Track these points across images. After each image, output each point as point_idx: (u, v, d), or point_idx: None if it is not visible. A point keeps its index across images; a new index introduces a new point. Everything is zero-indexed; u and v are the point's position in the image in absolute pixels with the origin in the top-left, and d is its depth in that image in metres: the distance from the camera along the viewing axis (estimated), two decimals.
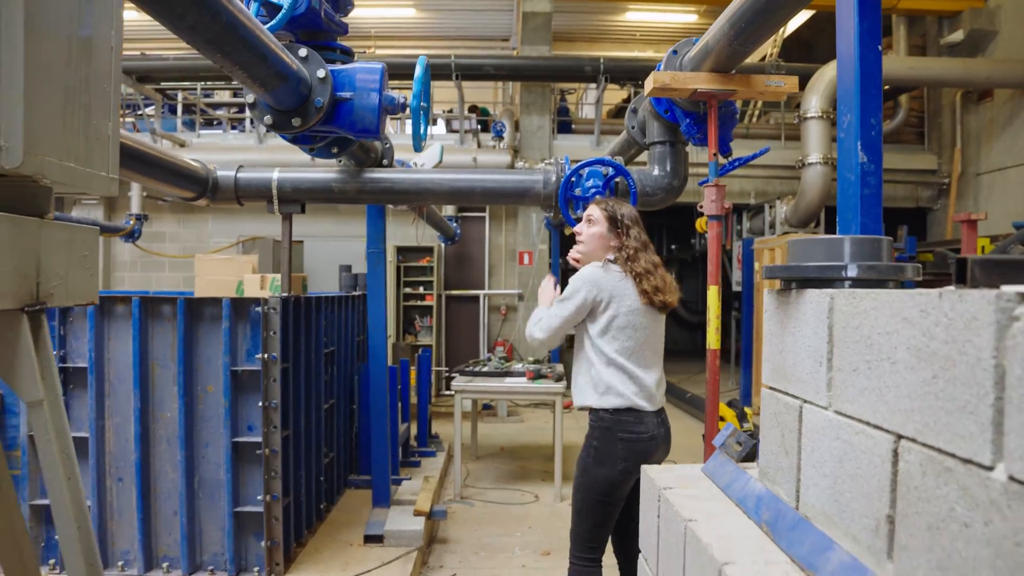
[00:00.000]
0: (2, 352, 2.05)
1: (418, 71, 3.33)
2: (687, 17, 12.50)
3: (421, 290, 10.44)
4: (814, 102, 9.32)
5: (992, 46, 10.68)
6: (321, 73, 3.00)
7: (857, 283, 1.49)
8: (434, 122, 12.19)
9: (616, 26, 13.12)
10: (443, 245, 10.38)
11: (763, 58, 12.80)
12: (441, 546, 4.86)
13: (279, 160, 9.34)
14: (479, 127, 11.05)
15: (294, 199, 4.02)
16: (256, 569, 3.97)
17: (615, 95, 13.39)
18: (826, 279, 1.51)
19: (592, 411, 2.79)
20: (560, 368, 6.55)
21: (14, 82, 1.93)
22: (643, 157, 4.89)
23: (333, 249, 10.39)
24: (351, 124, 3.10)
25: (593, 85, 10.49)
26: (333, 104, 3.07)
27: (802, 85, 9.22)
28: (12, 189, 2.01)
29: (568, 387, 5.80)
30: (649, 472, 2.03)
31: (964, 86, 10.57)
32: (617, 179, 3.84)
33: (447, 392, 9.55)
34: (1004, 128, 10.49)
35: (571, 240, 10.40)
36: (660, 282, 2.76)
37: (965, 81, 10.21)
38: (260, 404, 3.88)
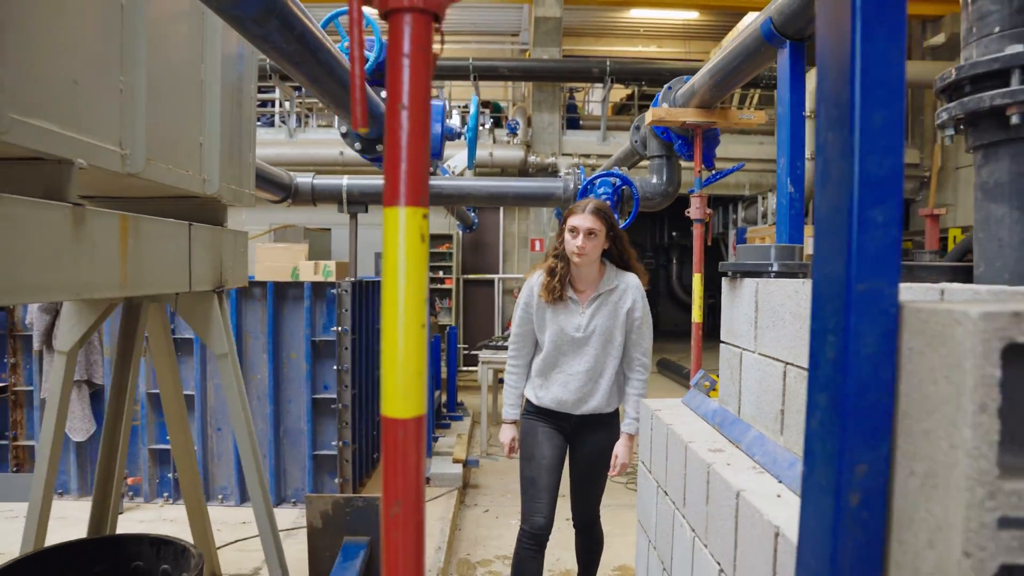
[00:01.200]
0: (201, 320, 3.04)
1: (472, 109, 4.27)
2: (688, 14, 13.33)
3: (441, 274, 11.38)
4: (809, 103, 10.20)
5: None
6: None
7: (778, 275, 2.42)
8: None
9: (621, 23, 13.97)
10: (461, 232, 11.31)
11: None
12: (474, 489, 5.84)
13: (310, 154, 10.29)
14: (493, 122, 11.94)
15: (360, 201, 4.96)
16: None
17: (619, 92, 14.26)
18: (757, 272, 2.44)
19: (615, 414, 3.26)
20: None
21: (212, 136, 2.91)
22: (643, 162, 5.80)
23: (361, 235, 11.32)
24: None
25: (600, 85, 11.37)
26: None
27: None
28: (207, 208, 3.00)
29: None
30: (648, 404, 2.98)
31: None
32: (623, 187, 4.77)
33: (466, 368, 10.53)
34: None
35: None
36: None
37: None
38: (335, 368, 4.84)
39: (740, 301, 2.49)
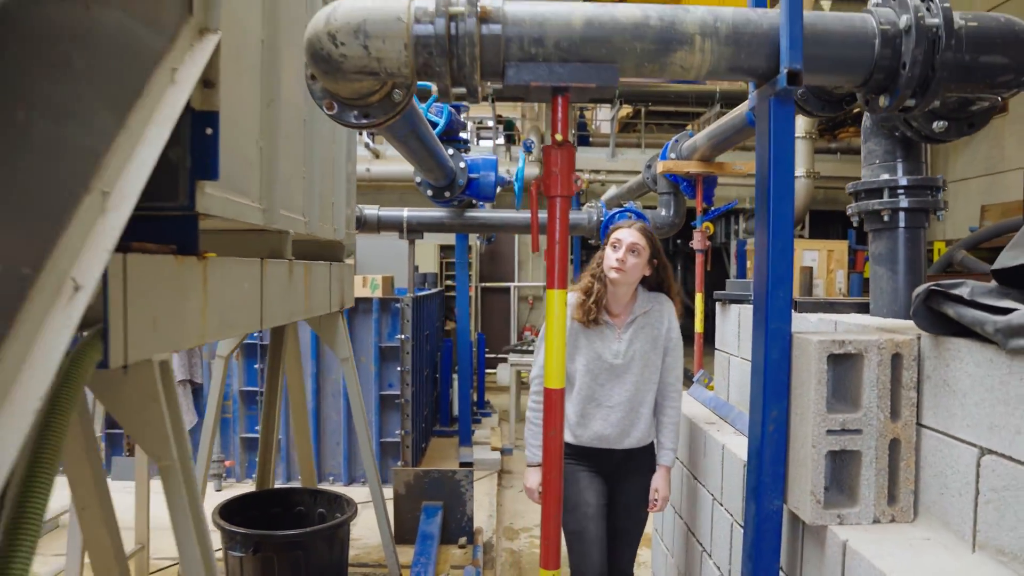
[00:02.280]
0: (330, 333, 4.21)
1: (519, 166, 5.46)
2: None
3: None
4: (800, 124, 11.35)
5: None
6: (462, 164, 5.11)
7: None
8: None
9: None
10: (479, 243, 12.48)
11: None
12: (507, 474, 7.01)
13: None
14: (506, 138, 13.11)
15: (417, 229, 6.13)
16: None
17: (623, 108, 15.46)
18: (741, 300, 3.61)
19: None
20: None
21: (340, 195, 4.09)
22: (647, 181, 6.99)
23: (376, 246, 12.49)
24: (477, 194, 5.22)
25: (607, 104, 12.54)
26: (467, 182, 5.19)
27: None
28: (334, 248, 4.17)
29: None
30: None
31: None
32: (639, 220, 5.93)
33: (486, 370, 11.71)
34: (966, 144, 12.53)
35: (593, 248, 12.38)
36: None
37: None
38: (399, 369, 6.02)
39: (729, 320, 3.67)
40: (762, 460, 2.19)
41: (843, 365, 2.13)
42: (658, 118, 14.05)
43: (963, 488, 1.88)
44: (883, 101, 2.26)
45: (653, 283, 3.05)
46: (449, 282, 12.64)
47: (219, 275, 2.19)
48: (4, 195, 1.05)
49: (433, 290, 7.90)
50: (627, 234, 2.94)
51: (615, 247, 2.92)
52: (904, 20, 2.15)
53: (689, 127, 14.59)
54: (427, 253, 11.70)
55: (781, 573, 2.35)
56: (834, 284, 11.59)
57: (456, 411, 7.73)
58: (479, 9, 2.02)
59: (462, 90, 2.13)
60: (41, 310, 1.14)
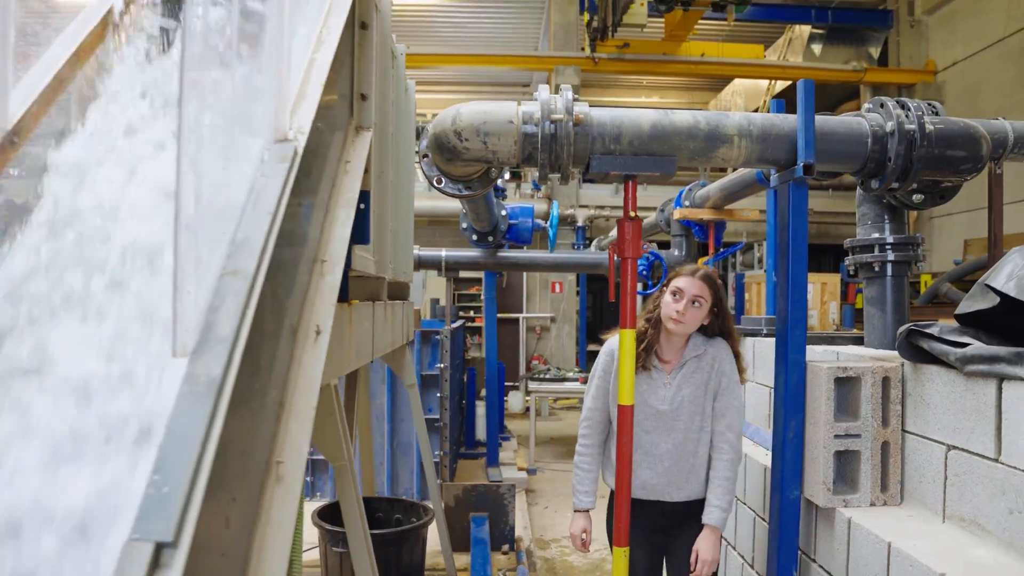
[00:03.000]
0: (399, 363, 4.89)
1: (553, 214, 6.20)
2: (675, 78, 15.43)
3: (472, 314, 13.25)
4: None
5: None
6: (503, 212, 5.83)
7: (766, 335, 4.29)
8: None
9: (626, 79, 16.09)
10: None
11: (755, 110, 15.77)
12: (532, 492, 7.66)
13: None
14: (512, 174, 13.87)
15: (454, 267, 6.84)
16: None
17: None
18: (754, 333, 4.31)
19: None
20: None
21: (409, 242, 4.80)
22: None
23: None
24: (516, 238, 5.95)
25: None
26: (508, 227, 5.91)
27: None
28: (401, 288, 4.85)
29: None
30: None
31: None
32: (655, 261, 6.67)
33: None
34: None
35: (598, 279, 13.47)
36: None
37: None
38: (438, 395, 6.69)
39: (743, 350, 4.37)
40: (784, 459, 2.89)
41: (845, 386, 2.83)
42: None
43: (935, 476, 2.58)
44: (874, 184, 2.99)
45: (713, 331, 2.86)
46: (462, 313, 13.32)
47: (356, 316, 2.88)
48: (274, 273, 1.76)
49: (459, 323, 8.58)
50: (689, 283, 2.75)
51: (676, 296, 2.75)
52: (889, 125, 2.89)
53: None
54: (440, 284, 12.42)
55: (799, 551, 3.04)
56: (827, 315, 12.43)
57: (479, 435, 8.39)
58: (574, 116, 2.74)
59: (557, 175, 2.85)
60: (301, 348, 1.79)
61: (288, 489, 1.39)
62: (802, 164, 2.77)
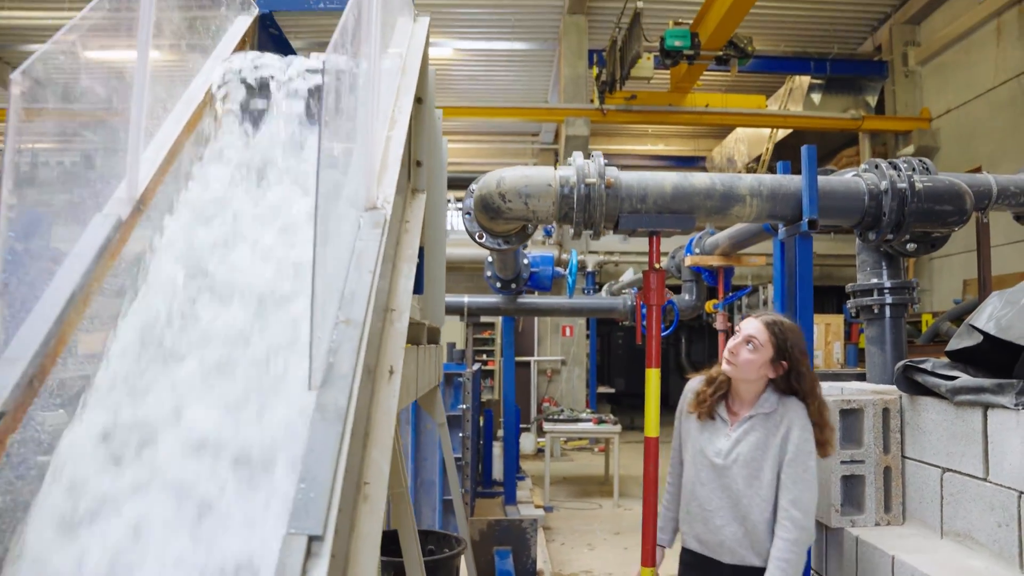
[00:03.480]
0: (430, 402, 5.22)
1: (572, 263, 6.61)
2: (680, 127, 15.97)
3: (485, 357, 13.58)
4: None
5: (936, 158, 14.05)
6: (525, 261, 6.22)
7: None
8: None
9: (631, 130, 16.63)
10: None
11: (759, 158, 16.27)
12: (549, 530, 7.93)
13: None
14: None
15: (476, 312, 7.21)
16: None
17: None
18: None
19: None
20: (612, 416, 9.69)
21: (440, 289, 5.16)
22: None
23: None
24: (537, 285, 6.35)
25: None
26: (529, 275, 6.30)
27: None
28: (433, 333, 5.20)
29: (619, 427, 8.91)
30: None
31: None
32: (667, 306, 7.03)
33: None
34: None
35: (606, 323, 13.79)
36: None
37: None
38: (460, 435, 7.00)
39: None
40: None
41: (850, 417, 3.17)
42: None
43: (932, 496, 2.91)
44: (871, 236, 3.37)
45: (783, 388, 2.59)
46: (476, 356, 13.65)
47: (406, 359, 3.23)
48: None
49: (476, 366, 8.92)
50: (747, 324, 2.59)
51: (735, 336, 2.61)
52: (884, 184, 3.28)
53: None
54: (457, 328, 12.77)
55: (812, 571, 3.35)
56: (832, 355, 12.81)
57: (495, 475, 8.67)
58: (605, 180, 3.12)
59: (590, 231, 3.22)
60: (378, 385, 2.13)
61: (373, 507, 1.70)
62: (807, 220, 3.15)
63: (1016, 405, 2.50)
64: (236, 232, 2.23)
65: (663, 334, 7.12)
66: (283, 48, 3.41)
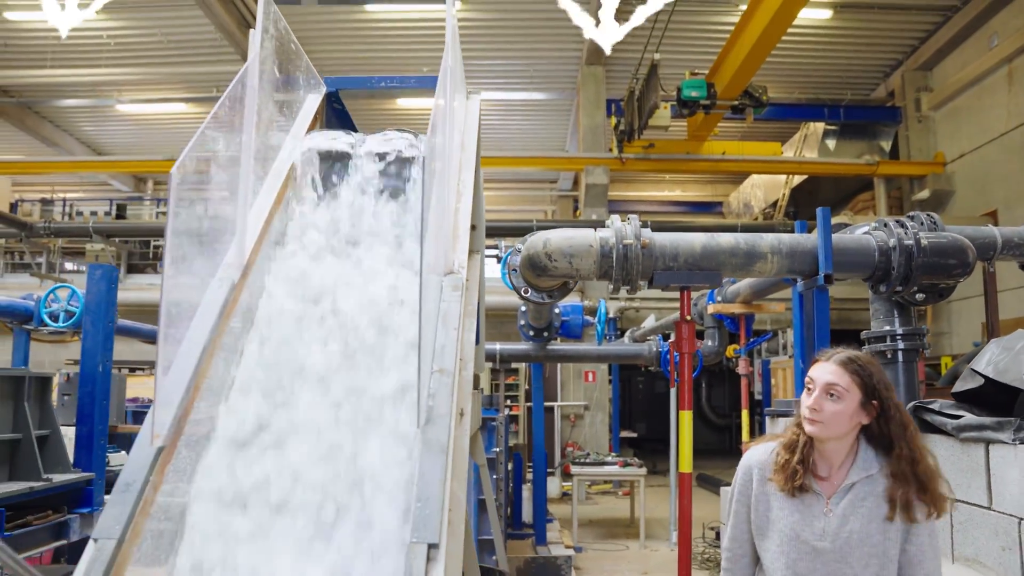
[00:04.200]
0: (474, 444, 5.57)
1: (600, 311, 7.03)
2: (696, 174, 16.40)
3: (509, 403, 13.93)
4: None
5: (951, 201, 14.41)
6: (557, 311, 6.65)
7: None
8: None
9: (649, 177, 17.14)
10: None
11: (775, 203, 16.70)
12: (578, 569, 8.21)
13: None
14: None
15: (507, 359, 7.62)
16: None
17: None
18: (785, 414, 5.00)
19: None
20: (637, 460, 10.00)
21: (482, 337, 5.52)
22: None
23: None
24: (567, 333, 6.77)
25: None
26: (560, 324, 6.71)
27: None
28: (476, 380, 5.55)
29: (644, 470, 9.22)
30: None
31: None
32: None
33: None
34: None
35: (628, 368, 14.19)
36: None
37: None
38: (493, 477, 7.34)
39: (776, 427, 5.06)
40: None
41: None
42: None
43: (944, 525, 3.25)
44: (882, 288, 3.76)
45: (876, 434, 2.15)
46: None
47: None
48: None
49: (506, 411, 9.29)
50: (822, 372, 2.15)
51: (808, 390, 2.16)
52: (892, 241, 3.67)
53: None
54: (484, 374, 13.15)
55: None
56: None
57: (525, 516, 8.98)
58: (641, 241, 3.54)
59: (627, 287, 3.63)
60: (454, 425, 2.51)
61: (455, 531, 2.07)
62: (823, 275, 3.54)
63: (1014, 440, 2.86)
64: (325, 290, 2.65)
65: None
66: (346, 122, 3.89)
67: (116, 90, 15.32)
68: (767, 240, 3.63)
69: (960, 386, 3.26)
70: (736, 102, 12.25)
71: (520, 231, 13.16)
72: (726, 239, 3.62)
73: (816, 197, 17.10)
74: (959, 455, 3.16)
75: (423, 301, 2.09)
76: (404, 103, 15.02)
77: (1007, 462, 2.90)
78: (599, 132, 14.29)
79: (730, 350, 7.79)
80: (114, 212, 16.55)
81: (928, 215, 4.09)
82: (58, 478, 4.47)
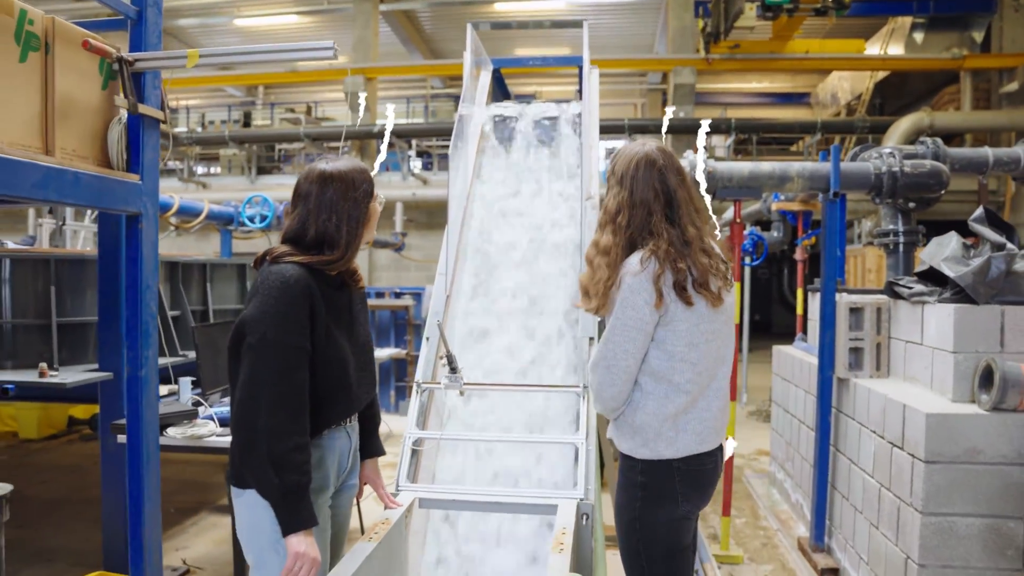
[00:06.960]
0: None
1: None
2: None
3: None
4: (891, 143, 14.36)
5: None
6: None
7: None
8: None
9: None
10: None
11: (859, 96, 17.87)
12: None
13: None
14: None
15: None
16: None
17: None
18: (818, 290, 6.95)
19: None
20: None
21: None
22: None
23: None
24: None
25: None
26: None
27: (883, 130, 14.42)
28: None
29: None
30: (780, 348, 7.51)
31: (1009, 131, 15.17)
32: (758, 241, 9.25)
33: None
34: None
35: None
36: None
37: (1010, 127, 14.89)
38: None
39: (815, 302, 7.03)
40: (823, 354, 5.56)
41: (856, 312, 5.48)
42: (767, 142, 17.27)
43: (899, 358, 5.24)
44: (876, 200, 5.63)
45: None
46: None
47: None
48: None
49: None
50: None
51: None
52: (883, 168, 5.51)
53: (792, 148, 17.79)
54: None
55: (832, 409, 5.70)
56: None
57: None
58: (707, 169, 5.47)
59: None
60: None
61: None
62: (832, 191, 5.43)
63: (936, 302, 4.79)
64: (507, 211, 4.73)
65: (755, 263, 9.42)
66: (504, 91, 5.89)
67: (233, 7, 17.44)
68: (795, 167, 5.51)
69: (918, 269, 5.16)
70: (819, 4, 13.49)
71: (612, 129, 14.99)
72: (766, 166, 5.52)
73: (902, 90, 18.20)
74: (910, 312, 5.10)
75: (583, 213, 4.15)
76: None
77: (931, 315, 4.84)
78: (687, 33, 15.74)
79: (806, 243, 9.59)
80: (242, 120, 18.95)
81: (934, 141, 5.87)
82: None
